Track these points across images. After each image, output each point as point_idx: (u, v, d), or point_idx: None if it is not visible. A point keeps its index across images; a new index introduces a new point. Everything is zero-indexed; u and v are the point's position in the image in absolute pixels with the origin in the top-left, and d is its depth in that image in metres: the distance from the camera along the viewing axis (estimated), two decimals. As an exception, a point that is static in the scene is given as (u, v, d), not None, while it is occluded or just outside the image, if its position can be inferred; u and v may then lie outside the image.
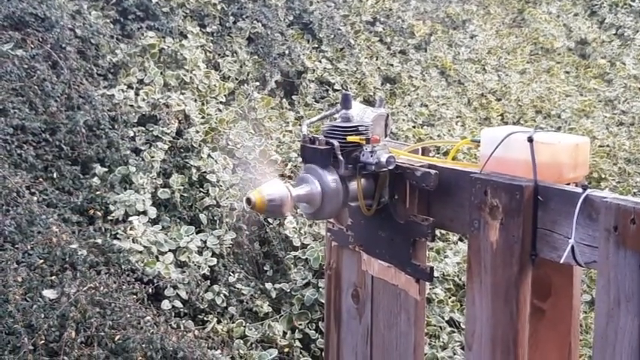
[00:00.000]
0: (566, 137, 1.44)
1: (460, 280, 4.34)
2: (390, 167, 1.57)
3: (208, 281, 3.86)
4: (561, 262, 1.32)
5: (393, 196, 1.65)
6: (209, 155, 4.37)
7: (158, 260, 3.76)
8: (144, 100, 4.44)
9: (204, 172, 4.29)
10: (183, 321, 3.66)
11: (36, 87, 4.04)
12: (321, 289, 3.82)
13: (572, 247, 1.30)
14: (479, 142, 1.54)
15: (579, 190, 1.31)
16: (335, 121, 1.66)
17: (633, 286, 1.20)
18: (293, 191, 1.56)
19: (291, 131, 5.07)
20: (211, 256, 3.93)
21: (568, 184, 1.40)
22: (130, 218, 3.86)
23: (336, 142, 1.58)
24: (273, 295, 3.96)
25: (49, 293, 3.18)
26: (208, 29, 5.31)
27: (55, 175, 3.89)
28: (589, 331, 4.00)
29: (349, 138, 1.59)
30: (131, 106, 4.36)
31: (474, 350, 1.48)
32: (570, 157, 1.40)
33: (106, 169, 4.05)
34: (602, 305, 1.25)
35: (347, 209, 1.72)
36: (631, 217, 1.20)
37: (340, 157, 1.57)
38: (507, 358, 1.41)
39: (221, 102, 4.91)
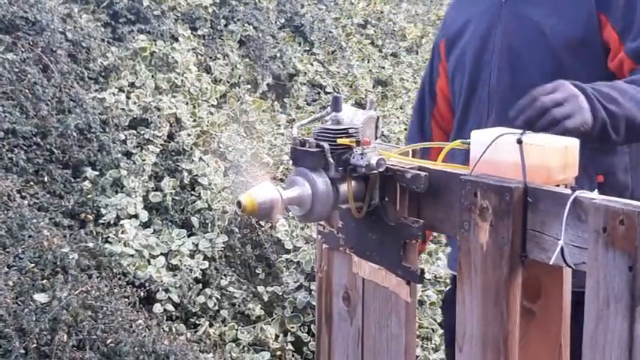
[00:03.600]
0: (555, 139, 1.44)
1: (452, 282, 4.34)
2: (381, 169, 1.57)
3: (200, 284, 3.86)
4: (551, 263, 1.32)
5: (383, 198, 1.64)
6: (200, 158, 4.36)
7: (150, 264, 3.75)
8: (135, 103, 4.43)
9: (196, 175, 4.28)
10: (175, 324, 3.66)
11: (27, 90, 4.02)
12: (313, 292, 3.82)
13: (562, 249, 1.30)
14: (469, 143, 1.54)
15: (568, 191, 1.31)
16: (325, 123, 1.66)
17: (622, 287, 1.20)
18: (284, 194, 1.56)
19: (282, 134, 5.07)
20: (203, 260, 3.93)
21: (557, 185, 1.40)
22: (122, 222, 3.85)
23: (326, 145, 1.58)
24: (266, 298, 3.96)
25: (41, 297, 3.18)
26: (200, 32, 5.30)
27: (46, 179, 3.88)
28: (580, 332, 4.01)
29: (339, 140, 1.59)
30: (122, 109, 4.35)
31: (465, 352, 1.48)
32: (559, 158, 1.40)
33: (97, 173, 4.04)
34: (591, 306, 1.25)
35: (338, 212, 1.72)
36: (620, 218, 1.20)
37: (330, 160, 1.57)
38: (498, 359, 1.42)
39: (212, 105, 4.90)
